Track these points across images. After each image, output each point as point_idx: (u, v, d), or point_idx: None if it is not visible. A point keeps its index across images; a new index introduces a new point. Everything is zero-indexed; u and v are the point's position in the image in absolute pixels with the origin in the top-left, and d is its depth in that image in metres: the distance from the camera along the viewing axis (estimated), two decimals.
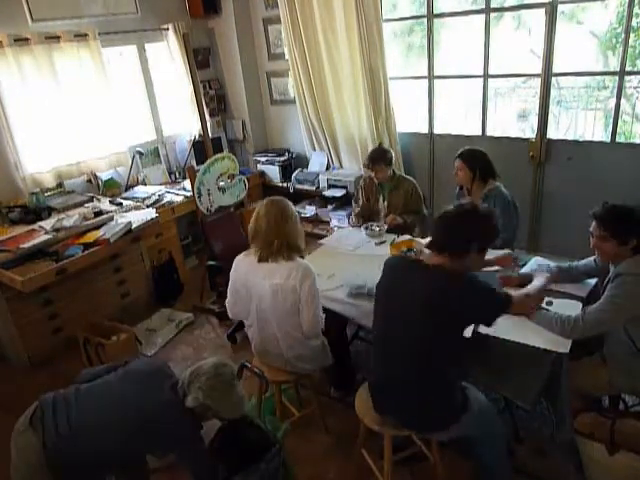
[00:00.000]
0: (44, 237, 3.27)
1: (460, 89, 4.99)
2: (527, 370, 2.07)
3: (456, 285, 1.74)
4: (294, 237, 2.24)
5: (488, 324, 1.87)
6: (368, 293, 2.42)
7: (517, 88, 5.51)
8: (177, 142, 4.86)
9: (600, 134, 4.94)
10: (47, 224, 3.39)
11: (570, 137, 4.96)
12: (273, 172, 5.08)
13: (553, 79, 3.79)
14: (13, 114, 3.59)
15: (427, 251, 1.89)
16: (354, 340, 3.19)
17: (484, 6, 3.78)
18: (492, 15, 3.81)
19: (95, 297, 3.60)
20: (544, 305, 2.19)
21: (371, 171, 3.31)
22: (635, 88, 4.79)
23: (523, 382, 2.07)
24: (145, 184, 4.46)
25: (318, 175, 4.81)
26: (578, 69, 4.51)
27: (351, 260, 2.93)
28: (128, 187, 4.33)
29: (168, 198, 4.19)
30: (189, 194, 4.11)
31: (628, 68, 3.46)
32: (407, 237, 3.03)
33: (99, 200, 3.93)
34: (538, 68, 3.69)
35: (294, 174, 4.96)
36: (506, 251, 2.65)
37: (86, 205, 3.79)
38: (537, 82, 3.79)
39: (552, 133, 4.07)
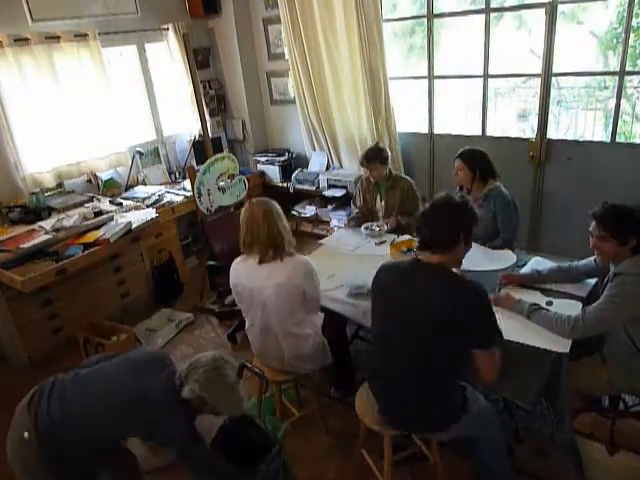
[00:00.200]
0: (44, 237, 3.27)
1: (460, 89, 5.00)
2: (527, 370, 2.07)
3: (460, 294, 1.73)
4: (289, 233, 2.30)
5: (479, 345, 1.77)
6: (368, 293, 2.40)
7: (517, 88, 5.52)
8: (177, 142, 4.85)
9: (600, 134, 4.94)
10: (47, 224, 3.40)
11: (570, 137, 4.97)
12: (273, 172, 5.08)
13: (553, 79, 3.79)
14: (13, 114, 3.59)
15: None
16: (354, 340, 3.19)
17: (484, 6, 3.78)
18: (492, 15, 3.81)
19: (95, 297, 3.60)
20: (544, 305, 2.19)
21: (366, 169, 3.32)
22: (635, 88, 4.79)
23: (523, 382, 2.07)
24: (145, 184, 4.46)
25: (318, 175, 4.81)
26: (578, 69, 4.51)
27: (351, 260, 2.93)
28: (128, 187, 4.33)
29: (168, 198, 4.19)
30: (189, 194, 4.11)
31: (628, 68, 3.46)
32: (407, 237, 3.03)
33: (99, 200, 3.93)
34: (538, 68, 3.69)
35: (294, 174, 4.96)
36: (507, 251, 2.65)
37: (86, 205, 3.79)
38: (537, 82, 3.79)
39: (552, 133, 4.07)
